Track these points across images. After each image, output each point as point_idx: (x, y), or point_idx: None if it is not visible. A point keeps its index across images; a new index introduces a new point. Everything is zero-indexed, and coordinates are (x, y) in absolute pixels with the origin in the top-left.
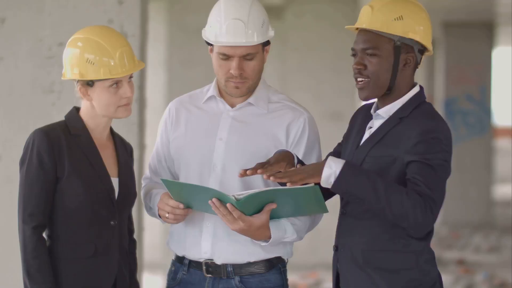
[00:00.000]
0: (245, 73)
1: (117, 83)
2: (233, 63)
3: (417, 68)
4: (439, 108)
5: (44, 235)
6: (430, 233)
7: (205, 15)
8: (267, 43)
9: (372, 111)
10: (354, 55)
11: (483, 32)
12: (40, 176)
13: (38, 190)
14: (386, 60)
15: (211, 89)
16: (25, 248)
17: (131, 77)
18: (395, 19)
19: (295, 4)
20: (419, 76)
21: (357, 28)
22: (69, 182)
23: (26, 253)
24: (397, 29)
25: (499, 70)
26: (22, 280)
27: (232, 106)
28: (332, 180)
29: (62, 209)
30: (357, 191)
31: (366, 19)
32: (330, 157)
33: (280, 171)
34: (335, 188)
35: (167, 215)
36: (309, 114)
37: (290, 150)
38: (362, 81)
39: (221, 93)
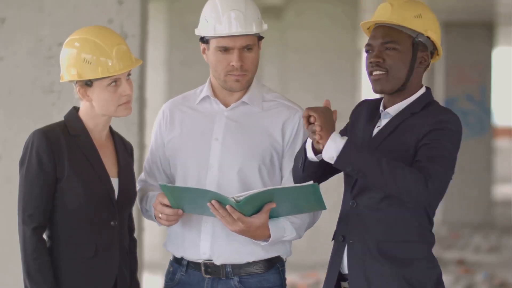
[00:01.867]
0: (245, 65)
1: (116, 81)
2: (234, 55)
3: (427, 70)
4: None
5: (45, 235)
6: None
7: None
8: (260, 38)
9: (381, 109)
10: (368, 51)
11: (483, 32)
12: (39, 177)
13: (38, 191)
14: (404, 55)
15: (204, 90)
16: (25, 249)
17: (129, 74)
18: (415, 16)
19: (295, 3)
20: None
21: (368, 27)
22: (68, 183)
23: (26, 254)
24: (418, 26)
25: (499, 70)
26: (23, 280)
27: (227, 106)
28: (335, 154)
29: (62, 210)
30: (360, 164)
31: (386, 14)
32: (335, 133)
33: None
34: (339, 160)
35: (160, 215)
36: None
37: (287, 148)
38: (379, 73)
39: (215, 93)
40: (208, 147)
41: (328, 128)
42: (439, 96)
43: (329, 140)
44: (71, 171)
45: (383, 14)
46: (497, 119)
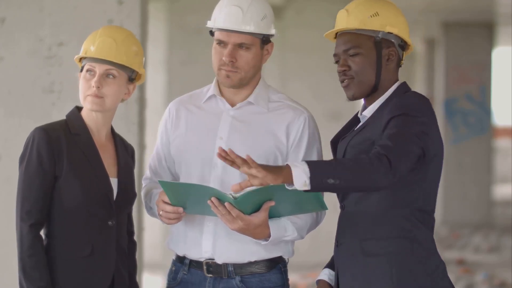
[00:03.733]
0: (237, 63)
1: (92, 71)
2: (226, 50)
3: (400, 65)
4: (439, 108)
5: (42, 233)
6: (430, 220)
7: (205, 15)
8: (267, 41)
9: (359, 113)
10: (337, 61)
11: (483, 32)
12: (39, 174)
13: (37, 188)
14: (369, 57)
15: (211, 88)
16: (21, 245)
17: (112, 75)
18: (371, 16)
19: (295, 2)
20: (419, 76)
21: (335, 37)
22: (67, 181)
23: (22, 250)
24: (375, 25)
25: (499, 70)
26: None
27: (233, 105)
28: (306, 178)
29: (59, 208)
30: (331, 174)
31: (343, 21)
32: (289, 161)
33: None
34: (314, 181)
35: (160, 212)
36: (309, 113)
37: (291, 149)
38: (347, 81)
39: (221, 92)
40: (213, 146)
41: (271, 167)
42: (439, 96)
43: (293, 168)
44: (70, 170)
45: (340, 22)
46: (497, 119)
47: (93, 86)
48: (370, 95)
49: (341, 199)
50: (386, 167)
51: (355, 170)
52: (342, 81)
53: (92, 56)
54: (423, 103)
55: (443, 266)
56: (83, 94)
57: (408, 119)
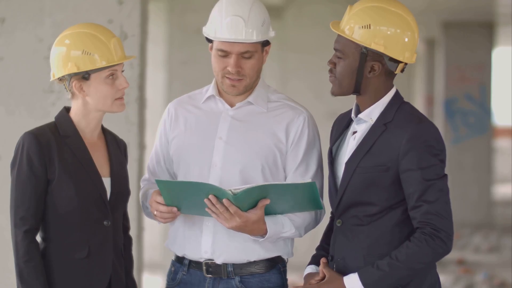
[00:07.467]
0: (243, 71)
1: (112, 74)
2: (231, 60)
3: (394, 75)
4: (439, 108)
5: (39, 237)
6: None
7: (205, 15)
8: (266, 43)
9: (353, 115)
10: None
11: (483, 32)
12: (30, 180)
13: (29, 194)
14: (351, 65)
15: (210, 89)
16: (17, 252)
17: (122, 70)
18: (362, 27)
19: (295, 2)
20: (419, 76)
21: None
22: (60, 184)
23: (18, 257)
24: (363, 37)
25: (499, 70)
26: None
27: (232, 105)
28: None
29: (54, 211)
30: (386, 281)
31: (342, 21)
32: (344, 278)
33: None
34: None
35: (155, 212)
36: (308, 112)
37: (291, 148)
38: (331, 78)
39: (220, 93)
40: (212, 146)
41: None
42: (439, 96)
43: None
44: (62, 173)
45: (342, 20)
46: (497, 119)
47: (122, 88)
48: (359, 98)
49: (340, 214)
50: (443, 247)
51: (412, 267)
52: (329, 75)
53: (117, 62)
54: (435, 128)
55: (438, 284)
56: (112, 98)
57: (432, 158)
